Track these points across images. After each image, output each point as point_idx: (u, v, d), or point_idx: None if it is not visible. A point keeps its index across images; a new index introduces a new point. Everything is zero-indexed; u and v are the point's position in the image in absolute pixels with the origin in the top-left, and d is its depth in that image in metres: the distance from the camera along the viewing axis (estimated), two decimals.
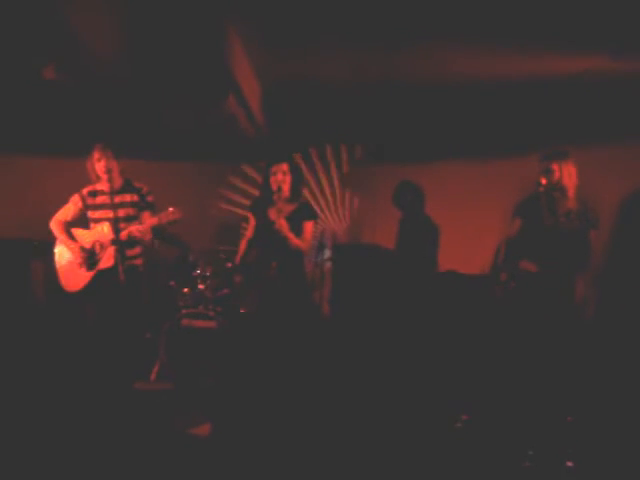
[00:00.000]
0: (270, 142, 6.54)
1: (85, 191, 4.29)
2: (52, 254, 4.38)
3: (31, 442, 3.59)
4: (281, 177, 4.25)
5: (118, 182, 4.27)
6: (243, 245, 4.58)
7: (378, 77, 5.25)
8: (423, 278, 5.14)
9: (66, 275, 4.30)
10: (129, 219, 4.22)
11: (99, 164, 4.15)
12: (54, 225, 4.32)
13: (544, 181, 3.86)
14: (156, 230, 4.21)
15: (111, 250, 4.11)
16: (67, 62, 4.37)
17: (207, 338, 4.81)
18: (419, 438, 3.94)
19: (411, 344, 5.19)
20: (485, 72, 4.95)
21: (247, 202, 6.30)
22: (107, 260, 4.14)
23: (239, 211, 6.80)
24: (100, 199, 4.25)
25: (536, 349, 3.85)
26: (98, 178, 4.22)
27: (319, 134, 6.72)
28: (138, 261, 4.37)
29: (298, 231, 4.26)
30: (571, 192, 3.86)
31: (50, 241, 4.39)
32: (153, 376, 4.76)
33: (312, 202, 6.68)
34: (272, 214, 4.25)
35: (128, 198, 4.29)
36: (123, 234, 4.07)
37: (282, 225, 4.15)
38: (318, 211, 6.63)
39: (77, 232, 4.33)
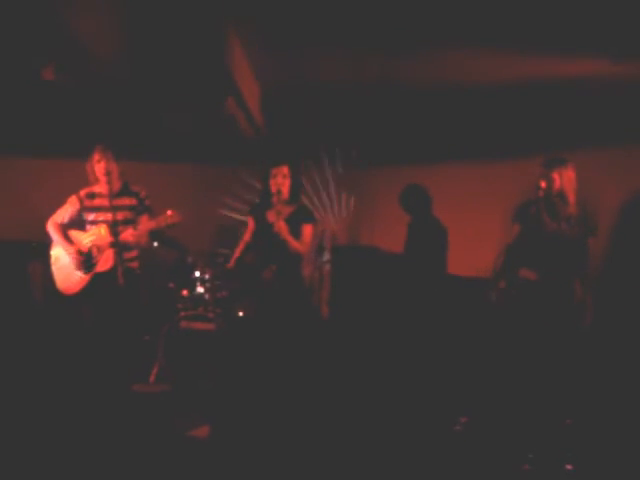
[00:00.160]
0: (269, 144, 6.54)
1: (83, 193, 4.26)
2: (48, 257, 4.33)
3: (30, 444, 3.57)
4: (281, 180, 4.24)
5: (117, 185, 4.24)
6: (239, 248, 4.57)
7: (378, 79, 5.26)
8: (432, 281, 5.12)
9: (63, 278, 4.27)
10: (127, 222, 4.19)
11: (99, 166, 4.13)
12: (51, 226, 4.27)
13: (544, 184, 3.85)
14: (154, 233, 4.19)
15: (108, 253, 4.10)
16: (67, 63, 4.37)
17: (206, 340, 4.81)
18: (419, 441, 3.93)
19: (411, 347, 5.18)
20: (486, 75, 4.96)
21: (245, 206, 6.29)
22: (104, 263, 4.12)
23: (237, 215, 6.80)
24: (98, 201, 4.22)
25: (536, 352, 3.84)
26: (97, 180, 4.20)
27: (318, 136, 6.73)
28: (134, 264, 4.34)
29: (297, 233, 4.25)
30: (571, 197, 3.85)
31: (48, 243, 4.37)
32: (152, 378, 4.76)
33: (310, 204, 6.68)
34: (271, 216, 4.24)
35: (126, 201, 4.26)
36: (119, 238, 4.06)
37: (281, 227, 4.14)
38: (316, 213, 6.62)
39: (73, 234, 4.29)
